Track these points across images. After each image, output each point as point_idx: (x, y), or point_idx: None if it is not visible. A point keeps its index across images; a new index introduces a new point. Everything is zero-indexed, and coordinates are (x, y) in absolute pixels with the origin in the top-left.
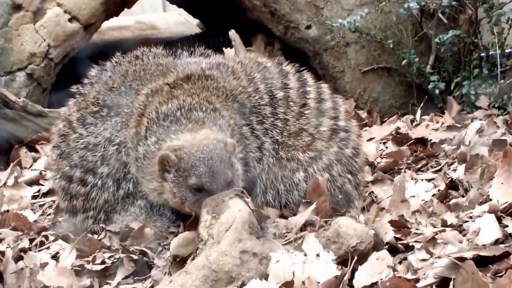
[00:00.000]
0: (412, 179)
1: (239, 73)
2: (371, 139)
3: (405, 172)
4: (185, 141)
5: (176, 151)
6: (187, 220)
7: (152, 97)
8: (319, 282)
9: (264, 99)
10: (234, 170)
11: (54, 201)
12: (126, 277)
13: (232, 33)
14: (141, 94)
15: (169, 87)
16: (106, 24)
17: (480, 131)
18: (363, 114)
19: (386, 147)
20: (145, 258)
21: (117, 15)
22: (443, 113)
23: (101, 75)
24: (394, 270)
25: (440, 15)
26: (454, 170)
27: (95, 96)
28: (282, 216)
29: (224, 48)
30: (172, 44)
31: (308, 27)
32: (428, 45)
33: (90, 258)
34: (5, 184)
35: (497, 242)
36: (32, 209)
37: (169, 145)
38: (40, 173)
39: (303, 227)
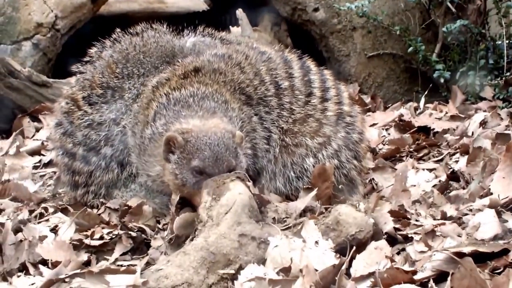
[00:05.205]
0: (413, 168)
1: (245, 66)
2: (373, 124)
3: (406, 161)
4: (194, 126)
5: (183, 133)
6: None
7: (162, 86)
8: (317, 270)
9: (270, 90)
10: (238, 161)
11: (54, 172)
12: (124, 254)
13: (239, 12)
14: (149, 84)
15: (178, 78)
16: None
17: (483, 123)
18: (367, 99)
19: (389, 134)
20: (143, 235)
21: None
22: (447, 102)
23: (101, 53)
24: (392, 261)
25: (449, 4)
26: (456, 161)
27: (100, 79)
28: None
29: (231, 27)
30: (179, 19)
31: (316, 9)
32: (435, 33)
33: (88, 233)
34: (7, 153)
35: (496, 237)
36: (32, 179)
37: (178, 128)
38: (42, 143)
39: (303, 213)
